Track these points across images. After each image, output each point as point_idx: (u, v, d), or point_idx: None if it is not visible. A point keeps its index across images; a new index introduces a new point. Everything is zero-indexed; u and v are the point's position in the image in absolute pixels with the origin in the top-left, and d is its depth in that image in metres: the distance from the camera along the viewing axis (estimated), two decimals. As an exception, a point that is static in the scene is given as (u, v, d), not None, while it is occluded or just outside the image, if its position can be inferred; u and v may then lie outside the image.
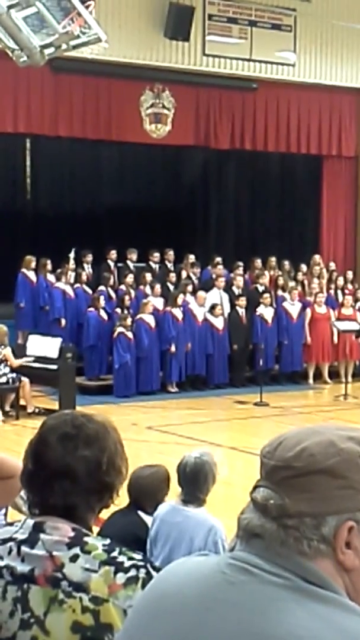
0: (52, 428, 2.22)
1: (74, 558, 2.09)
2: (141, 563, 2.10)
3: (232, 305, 17.64)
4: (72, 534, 2.12)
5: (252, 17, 19.34)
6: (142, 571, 2.08)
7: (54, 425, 2.23)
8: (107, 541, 2.15)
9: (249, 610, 1.40)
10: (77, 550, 2.10)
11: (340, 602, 1.40)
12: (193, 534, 4.94)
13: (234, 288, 17.97)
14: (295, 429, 1.54)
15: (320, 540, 1.43)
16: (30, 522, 2.17)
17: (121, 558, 2.10)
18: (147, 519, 5.26)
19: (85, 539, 2.12)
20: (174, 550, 4.82)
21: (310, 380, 18.15)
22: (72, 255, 17.02)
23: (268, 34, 19.56)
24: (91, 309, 16.45)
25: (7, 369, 14.07)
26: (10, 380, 14.07)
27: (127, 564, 2.09)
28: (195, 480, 5.02)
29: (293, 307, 18.06)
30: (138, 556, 2.14)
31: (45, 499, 2.17)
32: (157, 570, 2.02)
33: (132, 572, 2.08)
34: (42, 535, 2.12)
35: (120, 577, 2.07)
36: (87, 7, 11.58)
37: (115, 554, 2.11)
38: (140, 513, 5.24)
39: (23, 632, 2.09)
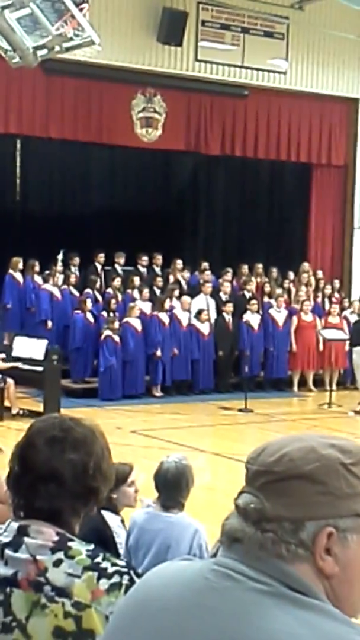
0: (40, 431, 2.22)
1: (57, 563, 2.08)
2: (125, 569, 2.10)
3: (219, 311, 17.65)
4: (56, 538, 2.12)
5: (245, 24, 19.39)
6: (126, 578, 2.08)
7: (42, 428, 2.23)
8: (91, 547, 2.14)
9: (231, 617, 1.40)
10: (60, 555, 2.09)
11: (322, 608, 1.41)
12: (179, 539, 4.93)
13: (221, 294, 17.98)
14: (281, 436, 1.55)
15: (298, 544, 1.43)
16: (15, 525, 2.16)
17: (105, 564, 2.09)
18: (110, 517, 5.21)
19: (70, 543, 2.12)
20: (160, 558, 4.78)
21: (295, 388, 18.19)
22: (60, 257, 17.00)
23: (260, 41, 19.61)
24: (78, 311, 16.44)
25: (-8, 370, 14.04)
26: (-5, 381, 14.03)
27: (111, 570, 2.09)
28: (178, 486, 5.01)
29: (279, 314, 18.09)
30: (122, 562, 2.14)
31: (30, 502, 2.16)
32: (140, 577, 2.02)
33: (116, 579, 2.07)
34: (26, 539, 2.12)
35: (104, 583, 2.07)
36: (81, 10, 11.59)
37: (99, 559, 2.10)
38: (105, 513, 5.17)
39: (4, 636, 2.08)
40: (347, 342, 17.81)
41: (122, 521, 5.29)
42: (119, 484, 5.15)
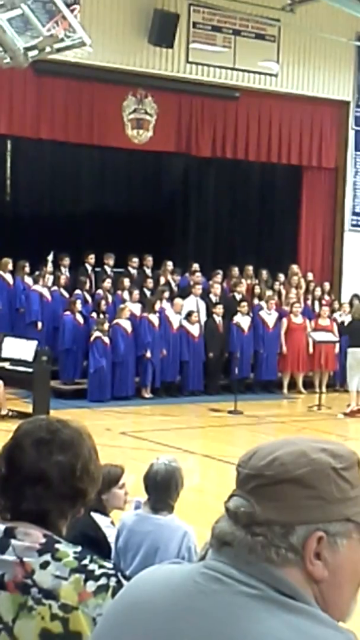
0: (27, 432, 2.21)
1: (44, 565, 2.07)
2: (112, 572, 2.09)
3: (209, 313, 17.66)
4: (43, 540, 2.11)
5: (236, 27, 19.41)
6: (113, 580, 2.07)
7: (29, 429, 2.22)
8: (79, 549, 2.13)
9: (220, 620, 1.40)
10: (47, 557, 2.08)
11: (311, 612, 1.40)
12: (167, 541, 4.93)
13: (212, 296, 18.00)
14: (273, 440, 1.55)
15: (288, 548, 1.43)
16: (1, 527, 2.15)
17: (92, 566, 2.08)
18: (100, 519, 5.20)
19: (57, 545, 2.11)
20: (148, 560, 4.79)
21: (285, 390, 18.21)
22: (50, 258, 16.99)
23: (252, 44, 19.63)
24: (67, 312, 16.42)
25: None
26: (-16, 382, 13.99)
27: (98, 572, 2.08)
28: (167, 488, 5.01)
29: (269, 316, 18.11)
30: (109, 564, 2.13)
31: (17, 504, 2.15)
32: (128, 579, 2.01)
33: (103, 581, 2.06)
34: (12, 541, 2.11)
35: (91, 585, 2.06)
36: (72, 11, 11.60)
37: (86, 561, 2.09)
38: (94, 514, 5.16)
39: (-9, 638, 2.07)
40: (337, 344, 17.86)
41: (112, 522, 5.28)
42: (111, 486, 5.14)
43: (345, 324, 17.72)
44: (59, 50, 11.72)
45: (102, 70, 17.84)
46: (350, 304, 19.10)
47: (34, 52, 11.58)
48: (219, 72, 19.40)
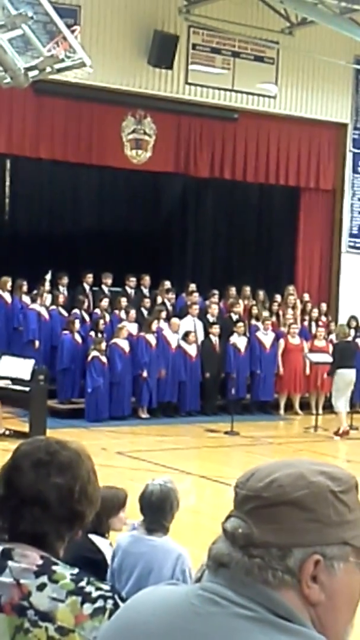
0: (26, 454, 2.21)
1: (41, 587, 2.07)
2: (109, 594, 2.08)
3: (206, 333, 17.66)
4: (40, 562, 2.10)
5: (236, 48, 19.53)
6: (110, 602, 2.06)
7: (28, 450, 2.22)
8: (76, 570, 2.12)
9: (216, 642, 1.39)
10: (44, 578, 2.07)
11: (307, 635, 1.40)
12: (162, 563, 4.90)
13: (208, 316, 18.00)
14: (271, 461, 1.55)
15: (285, 571, 1.42)
16: (-1, 548, 2.15)
17: (89, 588, 2.08)
18: (100, 541, 5.18)
19: (54, 567, 2.10)
20: (142, 581, 4.77)
21: (281, 411, 18.18)
22: (48, 277, 17.00)
23: (250, 66, 19.74)
24: (65, 331, 16.41)
25: (-22, 390, 13.96)
26: (-19, 401, 13.96)
27: (95, 594, 2.07)
28: (162, 509, 4.99)
29: (266, 337, 18.11)
30: (106, 587, 2.12)
31: (15, 525, 2.15)
32: (125, 601, 2.01)
33: (100, 603, 2.06)
34: (9, 563, 2.10)
35: (87, 608, 2.05)
36: (72, 32, 11.68)
37: (83, 584, 2.08)
38: (92, 536, 5.14)
39: (-13, 660, 2.06)
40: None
41: (110, 544, 5.27)
42: (119, 510, 5.13)
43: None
44: (59, 70, 11.80)
45: (101, 91, 17.93)
46: (348, 325, 19.09)
47: (34, 72, 11.66)
48: (218, 93, 19.50)
